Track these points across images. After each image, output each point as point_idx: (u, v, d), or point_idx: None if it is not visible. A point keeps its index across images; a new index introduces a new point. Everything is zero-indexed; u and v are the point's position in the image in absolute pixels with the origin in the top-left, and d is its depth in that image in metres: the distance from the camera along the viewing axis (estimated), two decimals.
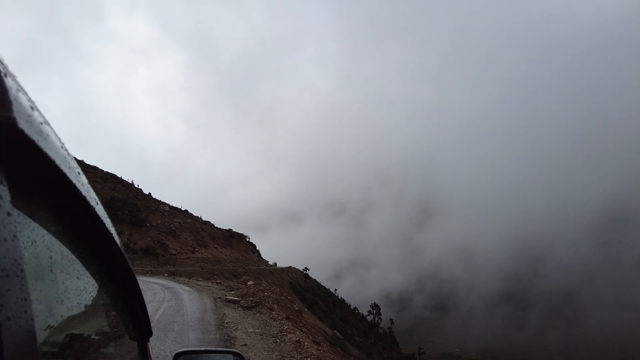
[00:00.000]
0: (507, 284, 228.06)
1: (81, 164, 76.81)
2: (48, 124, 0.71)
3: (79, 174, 0.84)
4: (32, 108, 0.64)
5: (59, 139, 0.77)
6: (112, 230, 1.02)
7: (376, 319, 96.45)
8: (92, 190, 0.92)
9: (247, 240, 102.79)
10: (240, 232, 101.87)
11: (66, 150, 0.80)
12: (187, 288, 19.96)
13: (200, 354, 1.68)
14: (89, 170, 76.11)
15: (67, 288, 0.91)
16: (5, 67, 0.61)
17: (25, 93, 0.65)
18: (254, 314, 11.60)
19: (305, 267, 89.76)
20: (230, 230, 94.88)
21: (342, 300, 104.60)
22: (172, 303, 12.92)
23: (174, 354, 1.58)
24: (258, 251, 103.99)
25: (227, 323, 9.63)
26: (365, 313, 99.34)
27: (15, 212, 0.56)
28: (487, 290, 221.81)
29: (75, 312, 0.98)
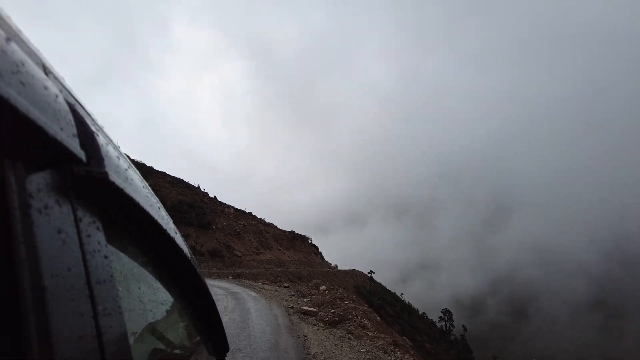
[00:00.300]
0: (598, 289, 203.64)
1: (149, 170, 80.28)
2: (131, 167, 0.81)
3: (159, 208, 0.94)
4: (118, 157, 0.71)
5: (141, 179, 0.87)
6: (189, 255, 1.15)
7: (448, 325, 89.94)
8: (170, 222, 1.03)
9: (310, 242, 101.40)
10: (302, 233, 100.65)
11: (147, 188, 0.91)
12: (253, 293, 17.57)
13: None
14: (157, 176, 79.22)
15: (154, 315, 1.05)
16: (96, 124, 0.68)
17: (112, 143, 0.73)
18: (346, 335, 8.54)
19: (370, 270, 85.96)
20: (292, 232, 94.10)
21: (409, 305, 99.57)
22: (236, 315, 10.34)
23: None
24: (320, 253, 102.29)
25: (313, 355, 6.61)
26: (436, 319, 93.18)
27: (110, 253, 0.64)
28: (572, 295, 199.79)
29: (162, 333, 1.17)
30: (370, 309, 13.63)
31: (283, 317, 10.60)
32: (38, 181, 0.47)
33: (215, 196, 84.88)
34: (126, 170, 0.74)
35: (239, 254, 70.98)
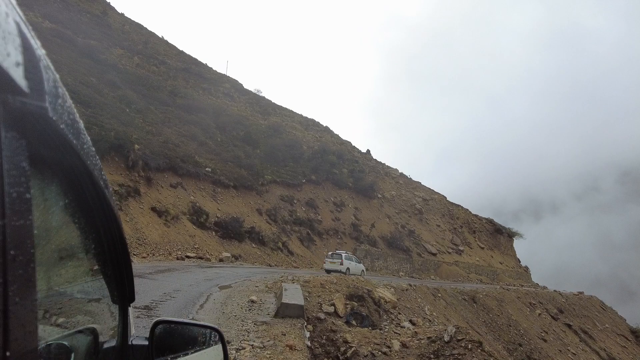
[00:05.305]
0: None
1: (271, 104, 55.23)
2: (72, 106, 0.81)
3: (93, 155, 0.98)
4: (62, 93, 0.71)
5: (79, 120, 0.88)
6: (113, 203, 1.19)
7: None
8: (99, 167, 1.06)
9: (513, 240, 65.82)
10: (503, 224, 65.90)
11: (85, 134, 0.92)
12: None
13: (178, 325, 1.80)
14: (284, 113, 53.59)
15: (65, 254, 1.11)
16: (45, 58, 0.68)
17: (55, 74, 0.72)
18: None
19: None
20: (492, 221, 60.39)
21: None
22: None
23: (153, 322, 1.70)
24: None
25: None
26: None
27: (31, 191, 0.62)
28: None
29: (68, 274, 1.23)
30: None
31: None
32: None
33: (368, 150, 56.05)
34: (68, 107, 0.73)
35: (432, 249, 40.46)
